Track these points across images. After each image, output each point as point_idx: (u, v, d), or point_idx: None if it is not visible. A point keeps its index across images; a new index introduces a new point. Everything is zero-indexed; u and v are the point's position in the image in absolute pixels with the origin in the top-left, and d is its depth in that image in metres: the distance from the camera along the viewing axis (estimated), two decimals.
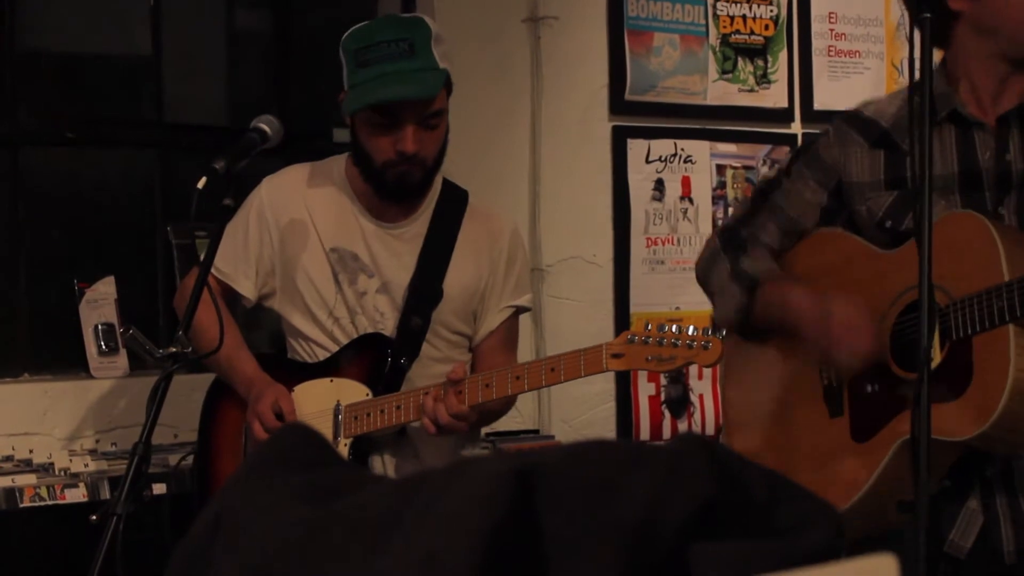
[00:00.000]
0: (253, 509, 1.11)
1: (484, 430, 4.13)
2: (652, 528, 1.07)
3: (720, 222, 5.18)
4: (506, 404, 3.47)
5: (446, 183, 3.53)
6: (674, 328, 3.10)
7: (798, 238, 3.01)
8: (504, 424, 3.68)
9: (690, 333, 3.08)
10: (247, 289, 3.48)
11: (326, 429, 3.37)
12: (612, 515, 1.07)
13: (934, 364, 2.59)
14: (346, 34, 3.37)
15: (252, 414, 3.34)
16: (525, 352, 4.58)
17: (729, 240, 3.05)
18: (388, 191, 3.38)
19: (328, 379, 3.41)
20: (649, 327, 3.12)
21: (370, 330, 3.42)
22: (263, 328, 4.41)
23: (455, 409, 3.20)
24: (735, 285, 2.99)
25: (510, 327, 3.54)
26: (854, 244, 2.91)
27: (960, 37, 2.84)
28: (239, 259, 3.47)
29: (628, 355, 3.12)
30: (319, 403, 3.39)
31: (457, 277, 3.45)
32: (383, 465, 3.42)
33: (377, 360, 3.39)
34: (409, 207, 3.46)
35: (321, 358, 3.45)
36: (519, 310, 3.55)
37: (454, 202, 3.51)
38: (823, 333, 2.80)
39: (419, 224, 3.47)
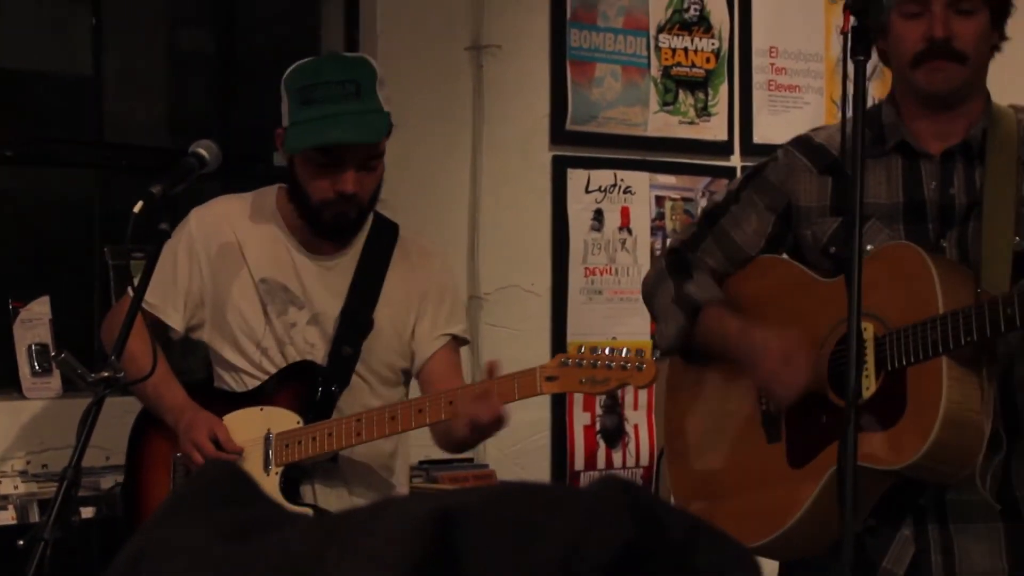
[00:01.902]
0: (174, 547, 1.10)
1: (418, 458, 4.12)
2: (571, 571, 1.07)
3: (659, 253, 5.20)
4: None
5: (377, 215, 3.54)
6: (607, 350, 3.12)
7: (743, 264, 3.05)
8: (438, 452, 3.67)
9: (623, 355, 3.11)
10: (175, 321, 3.47)
11: (257, 458, 3.36)
12: (532, 557, 1.07)
13: (868, 394, 2.62)
14: (290, 69, 3.37)
15: (188, 444, 3.32)
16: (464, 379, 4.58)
17: (675, 263, 3.09)
18: (323, 229, 3.39)
19: (258, 408, 3.40)
20: (583, 350, 3.14)
21: (299, 359, 3.41)
22: (198, 356, 4.39)
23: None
24: (678, 309, 3.01)
25: (451, 354, 3.53)
26: (796, 272, 2.95)
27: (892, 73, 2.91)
28: (168, 291, 3.46)
29: (562, 377, 3.14)
30: (249, 432, 3.38)
31: (387, 308, 3.45)
32: (313, 494, 3.41)
33: (307, 388, 3.39)
34: (341, 241, 3.46)
35: (250, 387, 3.44)
36: (457, 338, 3.55)
37: (385, 234, 3.52)
38: (759, 365, 2.83)
39: (350, 256, 3.47)
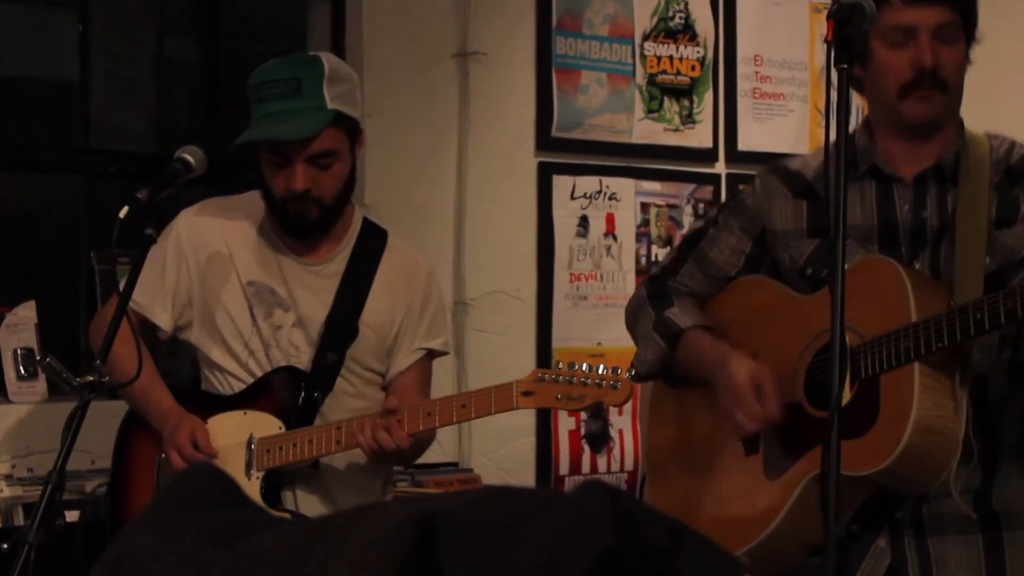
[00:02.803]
0: (154, 552, 1.10)
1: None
2: (554, 575, 1.07)
3: (644, 259, 5.21)
4: (427, 441, 3.47)
5: (366, 222, 3.54)
6: (584, 367, 3.14)
7: (723, 284, 3.07)
8: (423, 457, 3.66)
9: (600, 372, 3.13)
10: (163, 320, 3.47)
11: (239, 462, 3.35)
12: (514, 563, 1.06)
13: (843, 402, 2.63)
14: (253, 71, 3.39)
15: (169, 446, 3.33)
16: (447, 385, 4.58)
17: (656, 291, 3.12)
18: (288, 226, 3.40)
19: (242, 411, 3.40)
20: (560, 365, 3.16)
21: (283, 364, 3.41)
22: (185, 357, 4.38)
23: (400, 438, 3.21)
24: (657, 336, 3.04)
25: (421, 370, 3.54)
26: (775, 290, 2.97)
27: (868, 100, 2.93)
28: (156, 291, 3.45)
29: (538, 393, 3.15)
30: (232, 436, 3.38)
31: (373, 315, 3.45)
32: (294, 499, 3.40)
33: (291, 394, 3.39)
34: (323, 243, 3.46)
35: (236, 390, 3.44)
36: (432, 353, 3.55)
37: (373, 240, 3.52)
38: (723, 395, 2.87)
39: (338, 261, 3.47)
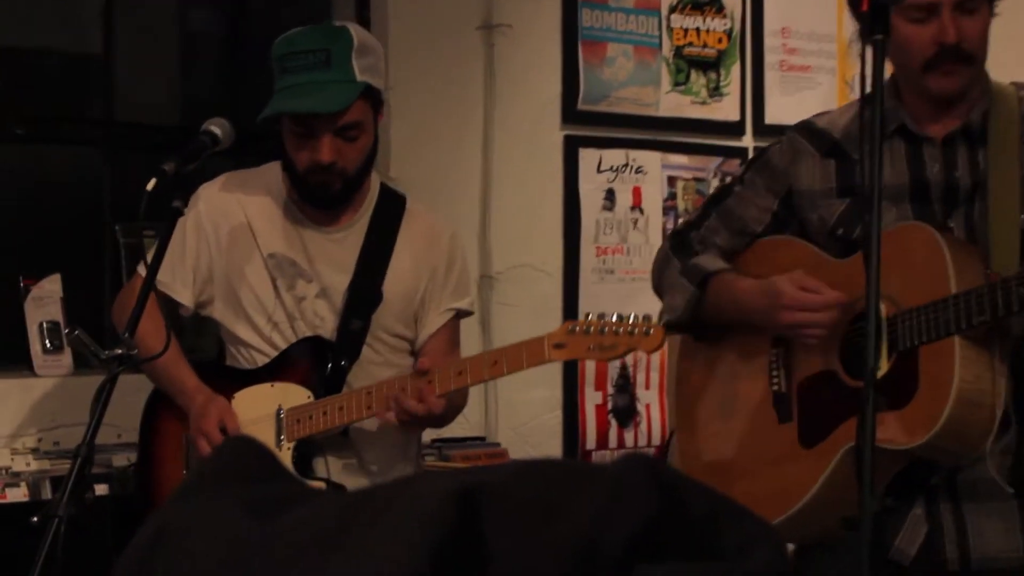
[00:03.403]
0: (194, 524, 1.10)
1: (431, 436, 4.13)
2: (595, 548, 1.07)
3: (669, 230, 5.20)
4: (460, 403, 3.48)
5: (384, 188, 3.55)
6: (614, 316, 3.14)
7: (749, 241, 3.05)
8: (450, 431, 3.68)
9: (631, 320, 3.12)
10: (185, 297, 3.48)
11: (268, 434, 3.37)
12: (555, 534, 1.07)
13: (881, 374, 2.62)
14: (277, 39, 3.39)
15: (197, 432, 3.34)
16: None
17: (679, 243, 3.11)
18: (310, 198, 3.41)
19: (269, 384, 3.41)
20: (590, 317, 3.16)
21: (310, 333, 3.42)
22: (210, 334, 4.39)
23: (432, 403, 3.21)
24: (685, 279, 3.02)
25: (452, 330, 3.55)
26: (805, 251, 2.95)
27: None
28: (176, 268, 3.46)
29: (570, 345, 3.16)
30: (260, 408, 3.39)
31: (396, 280, 3.46)
32: (326, 467, 3.42)
33: (317, 363, 3.40)
34: (343, 212, 3.47)
35: (261, 364, 3.45)
36: (460, 313, 3.56)
37: (392, 206, 3.52)
38: (781, 305, 2.83)
39: (357, 229, 3.48)
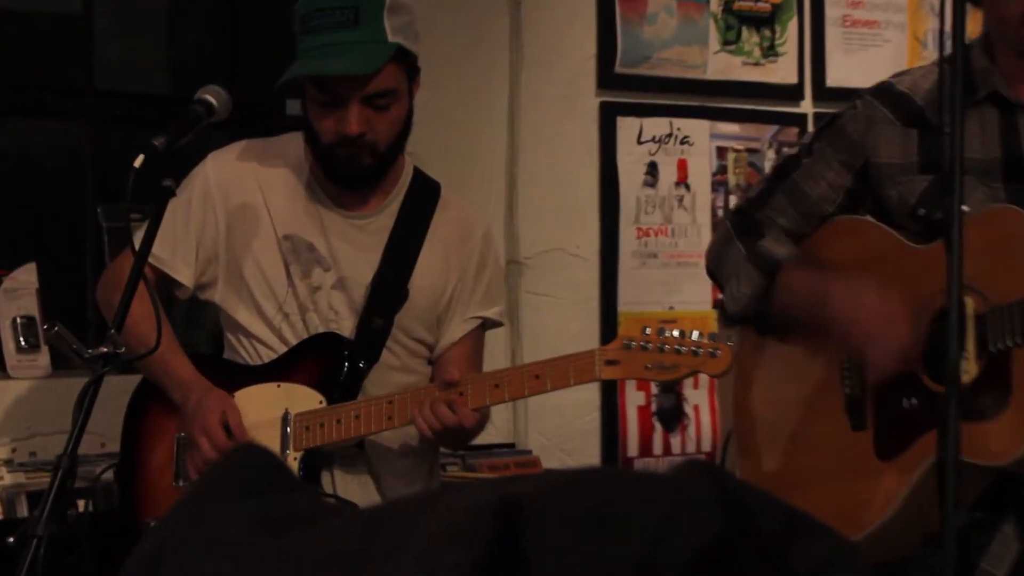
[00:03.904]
0: (199, 543, 1.10)
1: None
2: (652, 569, 1.06)
3: (720, 211, 5.19)
4: (486, 419, 3.46)
5: (417, 172, 3.53)
6: (676, 332, 3.09)
7: (818, 223, 3.02)
8: (469, 444, 3.66)
9: (695, 338, 3.07)
10: (185, 276, 3.46)
11: (273, 441, 3.35)
12: (608, 554, 1.06)
13: (969, 378, 2.59)
14: None
15: (198, 430, 3.32)
16: (498, 355, 4.58)
17: (743, 223, 3.07)
18: (336, 175, 3.38)
19: (275, 384, 3.40)
20: (648, 331, 3.11)
21: (322, 330, 3.40)
22: (203, 327, 4.38)
23: (465, 415, 3.20)
24: (752, 267, 2.99)
25: (476, 342, 3.53)
26: (884, 236, 2.91)
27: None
28: (178, 241, 3.45)
29: (624, 362, 3.12)
30: (265, 411, 3.37)
31: (424, 277, 3.44)
32: (333, 483, 3.40)
33: (332, 363, 3.38)
34: (370, 195, 3.45)
35: (266, 359, 3.43)
36: (486, 323, 3.54)
37: (425, 194, 3.51)
38: (853, 325, 2.80)
39: (385, 215, 3.46)
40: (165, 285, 3.46)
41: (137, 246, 3.00)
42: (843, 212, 3.02)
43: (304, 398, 3.37)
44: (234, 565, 1.07)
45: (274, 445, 3.34)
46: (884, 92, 2.99)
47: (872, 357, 2.81)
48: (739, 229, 3.08)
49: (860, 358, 2.86)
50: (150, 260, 3.31)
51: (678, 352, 3.08)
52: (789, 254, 2.99)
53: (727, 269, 3.08)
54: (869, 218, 2.99)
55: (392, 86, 3.29)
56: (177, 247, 3.44)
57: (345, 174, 3.36)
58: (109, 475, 3.82)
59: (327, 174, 3.39)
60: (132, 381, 3.60)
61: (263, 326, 3.43)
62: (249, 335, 3.45)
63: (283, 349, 3.41)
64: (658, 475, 1.11)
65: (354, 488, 3.40)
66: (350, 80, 3.24)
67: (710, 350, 3.07)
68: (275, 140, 3.54)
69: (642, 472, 1.03)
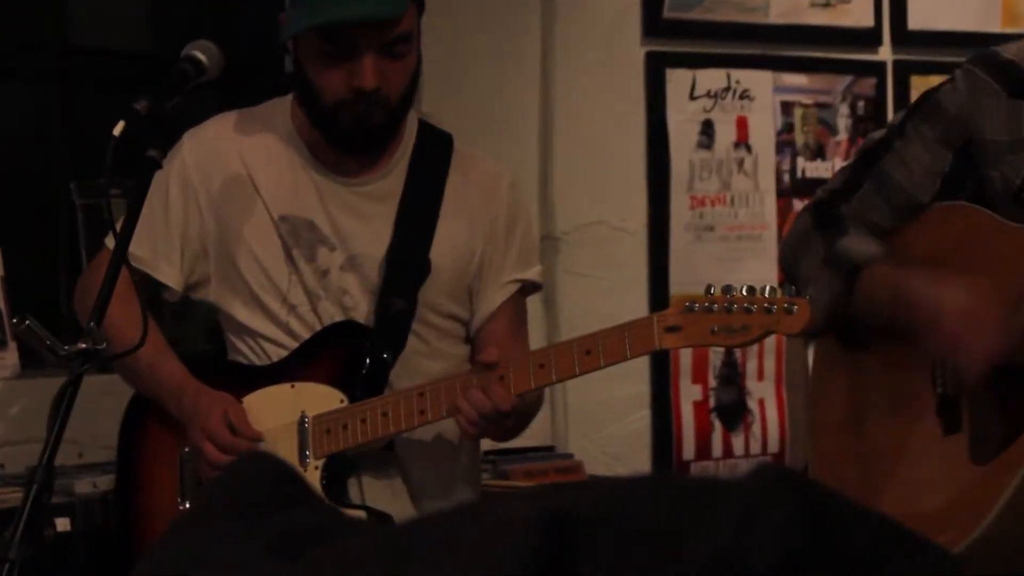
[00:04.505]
0: (207, 567, 1.10)
1: (485, 448, 4.12)
2: None
3: (787, 176, 5.19)
4: (535, 408, 3.46)
5: (423, 125, 3.53)
6: (743, 289, 3.08)
7: (913, 215, 3.03)
8: (511, 441, 3.66)
9: (767, 294, 3.06)
10: (171, 278, 3.47)
11: (289, 448, 3.36)
12: (671, 574, 1.06)
13: None
14: None
15: (198, 434, 3.32)
16: (534, 344, 4.58)
17: (825, 217, 3.08)
18: (342, 139, 3.38)
19: (288, 384, 3.40)
20: (712, 290, 3.10)
21: (338, 318, 3.41)
22: (196, 321, 4.39)
23: (503, 400, 3.19)
24: (831, 271, 3.00)
25: (516, 309, 3.53)
26: (982, 220, 2.93)
27: None
28: (158, 239, 3.45)
29: (687, 327, 3.11)
30: (278, 416, 3.38)
31: (447, 243, 3.44)
32: (362, 491, 3.41)
33: (351, 356, 3.38)
34: (375, 157, 3.45)
35: (276, 358, 3.44)
36: (526, 286, 3.54)
37: (436, 148, 3.51)
38: (937, 328, 2.82)
39: (392, 179, 3.46)
40: (151, 286, 3.46)
41: (118, 229, 3.00)
42: (940, 200, 3.03)
43: (322, 398, 3.37)
44: None
45: (291, 453, 3.35)
46: (988, 61, 3.00)
47: (961, 362, 2.84)
48: (819, 225, 3.09)
49: (946, 366, 2.88)
50: (131, 260, 3.31)
51: (748, 311, 3.07)
52: (872, 253, 3.00)
53: (804, 271, 3.09)
54: (965, 203, 2.99)
55: (410, 29, 3.31)
56: (158, 245, 3.45)
57: (353, 136, 3.36)
58: (91, 489, 3.85)
59: (329, 139, 3.39)
60: (114, 381, 3.61)
61: (267, 322, 3.44)
62: (253, 334, 3.46)
63: (294, 345, 3.42)
64: (727, 483, 1.11)
65: (385, 496, 3.41)
66: (365, 27, 3.25)
67: (784, 305, 3.05)
68: (257, 109, 3.55)
69: (709, 480, 1.03)
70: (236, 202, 3.44)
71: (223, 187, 3.45)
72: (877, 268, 2.98)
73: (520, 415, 3.32)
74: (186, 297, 3.54)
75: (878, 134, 3.15)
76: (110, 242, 3.34)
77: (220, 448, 3.30)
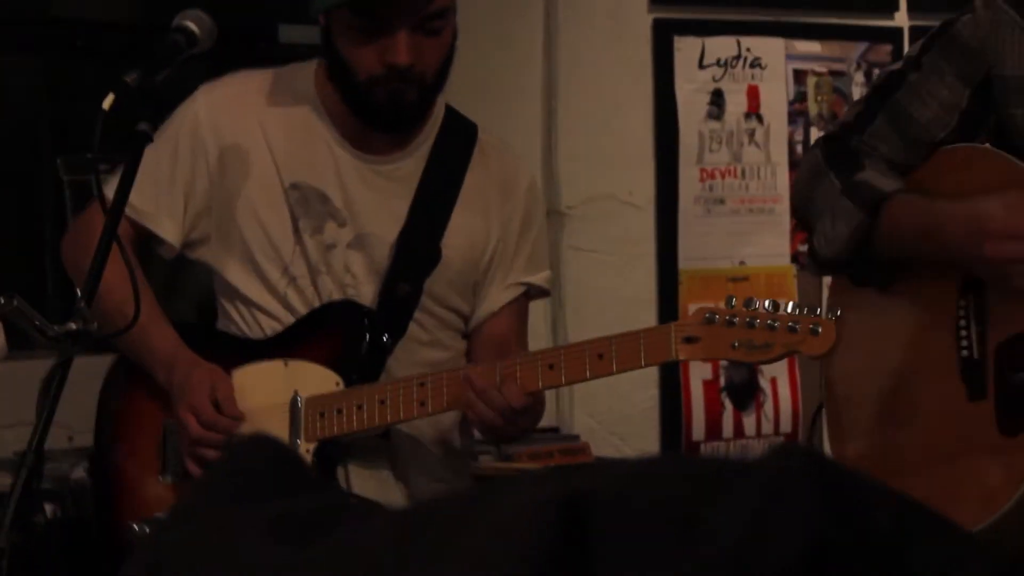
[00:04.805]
0: (207, 555, 1.10)
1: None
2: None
3: (800, 146, 5.19)
4: (542, 407, 3.46)
5: (450, 111, 3.52)
6: (767, 304, 3.07)
7: (927, 152, 3.02)
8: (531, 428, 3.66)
9: (791, 311, 3.05)
10: (170, 232, 3.46)
11: (280, 429, 3.36)
12: (690, 560, 1.06)
13: None
14: None
15: (184, 408, 3.33)
16: (538, 323, 4.59)
17: (836, 152, 3.06)
18: (375, 116, 3.37)
19: (281, 361, 3.40)
20: (734, 303, 3.09)
21: (337, 296, 3.41)
22: (185, 294, 4.40)
23: (516, 398, 3.19)
24: (851, 202, 2.98)
25: (519, 312, 3.54)
26: (1005, 166, 2.91)
27: None
28: (161, 191, 3.45)
29: (706, 339, 3.10)
30: (269, 394, 3.38)
31: (460, 235, 3.44)
32: (348, 480, 3.41)
33: (351, 338, 3.38)
34: (400, 136, 3.45)
35: (270, 332, 3.44)
36: (531, 291, 3.54)
37: (461, 136, 3.51)
38: (982, 239, 2.80)
39: (414, 161, 3.46)
40: (146, 243, 3.46)
41: (110, 199, 3.00)
42: (955, 139, 3.01)
43: (317, 379, 3.37)
44: None
45: (280, 434, 3.35)
46: None
47: (1012, 270, 2.81)
48: (832, 159, 3.07)
49: (996, 277, 2.87)
50: (130, 214, 3.32)
51: (771, 328, 3.05)
52: (896, 187, 2.98)
53: (818, 205, 3.06)
54: (988, 146, 2.98)
55: (446, 4, 3.31)
56: (161, 198, 3.45)
57: (386, 114, 3.35)
58: (82, 474, 3.85)
59: (361, 116, 3.38)
60: (104, 363, 3.61)
61: (265, 291, 3.44)
62: (248, 302, 3.45)
63: (290, 320, 3.42)
64: (748, 464, 1.11)
65: (372, 486, 3.40)
66: (399, 2, 3.24)
67: (810, 325, 3.04)
68: (279, 71, 3.54)
69: (729, 461, 1.03)
70: (247, 163, 3.44)
71: (235, 146, 3.45)
72: (903, 197, 2.96)
73: (531, 413, 3.31)
74: (175, 263, 3.54)
75: (894, 66, 3.14)
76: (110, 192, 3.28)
77: (202, 424, 3.30)
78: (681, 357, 3.15)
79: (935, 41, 3.06)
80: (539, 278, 3.55)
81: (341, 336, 3.40)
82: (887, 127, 3.05)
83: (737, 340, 3.07)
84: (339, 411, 3.34)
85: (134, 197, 3.08)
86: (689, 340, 3.11)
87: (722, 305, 3.10)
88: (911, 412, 3.01)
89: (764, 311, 3.05)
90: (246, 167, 3.44)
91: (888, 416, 3.05)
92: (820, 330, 3.02)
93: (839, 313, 3.02)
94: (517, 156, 3.63)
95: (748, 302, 3.08)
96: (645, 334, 3.15)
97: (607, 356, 3.16)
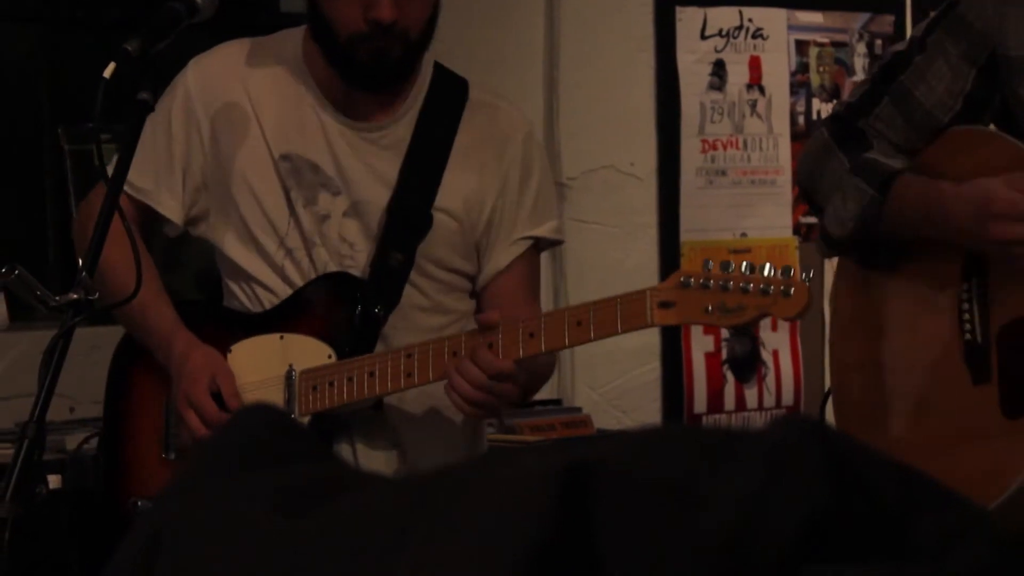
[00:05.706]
0: (204, 525, 1.10)
1: None
2: (747, 545, 1.06)
3: (801, 118, 5.18)
4: (545, 372, 3.45)
5: (439, 69, 3.50)
6: (744, 267, 3.06)
7: (932, 136, 3.02)
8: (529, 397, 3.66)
9: (765, 274, 3.05)
10: (172, 210, 3.46)
11: (276, 402, 3.35)
12: (692, 529, 1.06)
13: None
14: None
15: (182, 400, 3.32)
16: (541, 295, 4.59)
17: (844, 132, 3.06)
18: (358, 75, 3.35)
19: (277, 335, 3.40)
20: (710, 266, 3.09)
21: (333, 267, 3.40)
22: (185, 269, 4.39)
23: (493, 365, 3.17)
24: (860, 179, 2.98)
25: (529, 268, 3.50)
26: (1010, 150, 2.91)
27: None
28: (160, 170, 3.44)
29: (681, 304, 3.10)
30: (265, 368, 3.38)
31: (454, 196, 3.42)
32: (352, 452, 3.41)
33: (342, 309, 3.37)
34: (388, 100, 3.43)
35: (267, 305, 3.43)
36: (541, 244, 3.52)
37: (450, 94, 3.48)
38: (988, 215, 2.80)
39: (404, 124, 3.44)
40: (149, 221, 3.46)
41: (111, 174, 2.99)
42: (960, 123, 3.01)
43: (311, 352, 3.37)
44: (249, 551, 1.07)
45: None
46: None
47: (1017, 243, 2.81)
48: (839, 138, 3.07)
49: (1000, 259, 2.87)
50: (129, 192, 3.32)
51: (744, 291, 3.05)
52: (903, 167, 2.98)
53: (826, 184, 3.06)
54: (993, 128, 2.98)
55: None
56: (160, 175, 3.44)
57: (370, 73, 3.33)
58: (84, 446, 3.85)
59: (345, 76, 3.37)
60: (105, 333, 3.61)
61: (263, 265, 3.43)
62: (248, 277, 3.45)
63: (286, 291, 3.42)
64: (752, 434, 1.11)
65: (377, 458, 3.39)
66: None
67: (782, 288, 3.03)
68: (267, 39, 3.53)
69: (733, 431, 1.03)
70: (237, 134, 3.43)
71: (225, 118, 3.43)
72: (909, 177, 2.96)
73: (524, 382, 3.29)
74: (173, 242, 3.54)
75: (899, 46, 3.13)
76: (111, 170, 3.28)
77: (204, 420, 3.29)
78: (656, 322, 3.13)
79: (940, 22, 3.05)
80: (545, 229, 3.50)
81: (333, 308, 3.39)
82: (892, 109, 3.05)
83: (710, 304, 3.06)
84: (331, 383, 3.34)
85: (133, 175, 3.08)
86: (664, 305, 3.09)
87: (700, 268, 3.09)
88: (916, 396, 3.02)
89: (739, 274, 3.04)
90: (237, 139, 3.42)
91: (894, 400, 3.05)
92: (792, 292, 3.00)
93: (812, 274, 3.02)
94: (513, 107, 3.58)
95: (725, 265, 3.07)
96: (622, 300, 3.13)
97: (585, 323, 3.15)
